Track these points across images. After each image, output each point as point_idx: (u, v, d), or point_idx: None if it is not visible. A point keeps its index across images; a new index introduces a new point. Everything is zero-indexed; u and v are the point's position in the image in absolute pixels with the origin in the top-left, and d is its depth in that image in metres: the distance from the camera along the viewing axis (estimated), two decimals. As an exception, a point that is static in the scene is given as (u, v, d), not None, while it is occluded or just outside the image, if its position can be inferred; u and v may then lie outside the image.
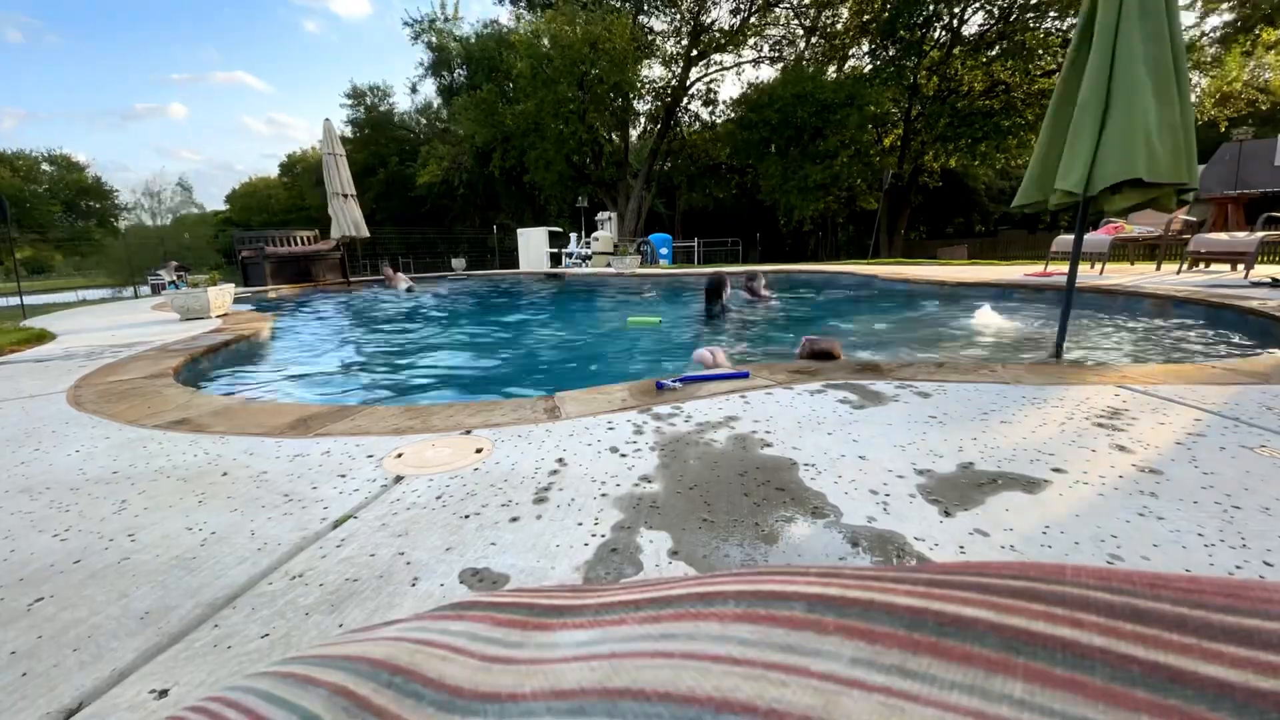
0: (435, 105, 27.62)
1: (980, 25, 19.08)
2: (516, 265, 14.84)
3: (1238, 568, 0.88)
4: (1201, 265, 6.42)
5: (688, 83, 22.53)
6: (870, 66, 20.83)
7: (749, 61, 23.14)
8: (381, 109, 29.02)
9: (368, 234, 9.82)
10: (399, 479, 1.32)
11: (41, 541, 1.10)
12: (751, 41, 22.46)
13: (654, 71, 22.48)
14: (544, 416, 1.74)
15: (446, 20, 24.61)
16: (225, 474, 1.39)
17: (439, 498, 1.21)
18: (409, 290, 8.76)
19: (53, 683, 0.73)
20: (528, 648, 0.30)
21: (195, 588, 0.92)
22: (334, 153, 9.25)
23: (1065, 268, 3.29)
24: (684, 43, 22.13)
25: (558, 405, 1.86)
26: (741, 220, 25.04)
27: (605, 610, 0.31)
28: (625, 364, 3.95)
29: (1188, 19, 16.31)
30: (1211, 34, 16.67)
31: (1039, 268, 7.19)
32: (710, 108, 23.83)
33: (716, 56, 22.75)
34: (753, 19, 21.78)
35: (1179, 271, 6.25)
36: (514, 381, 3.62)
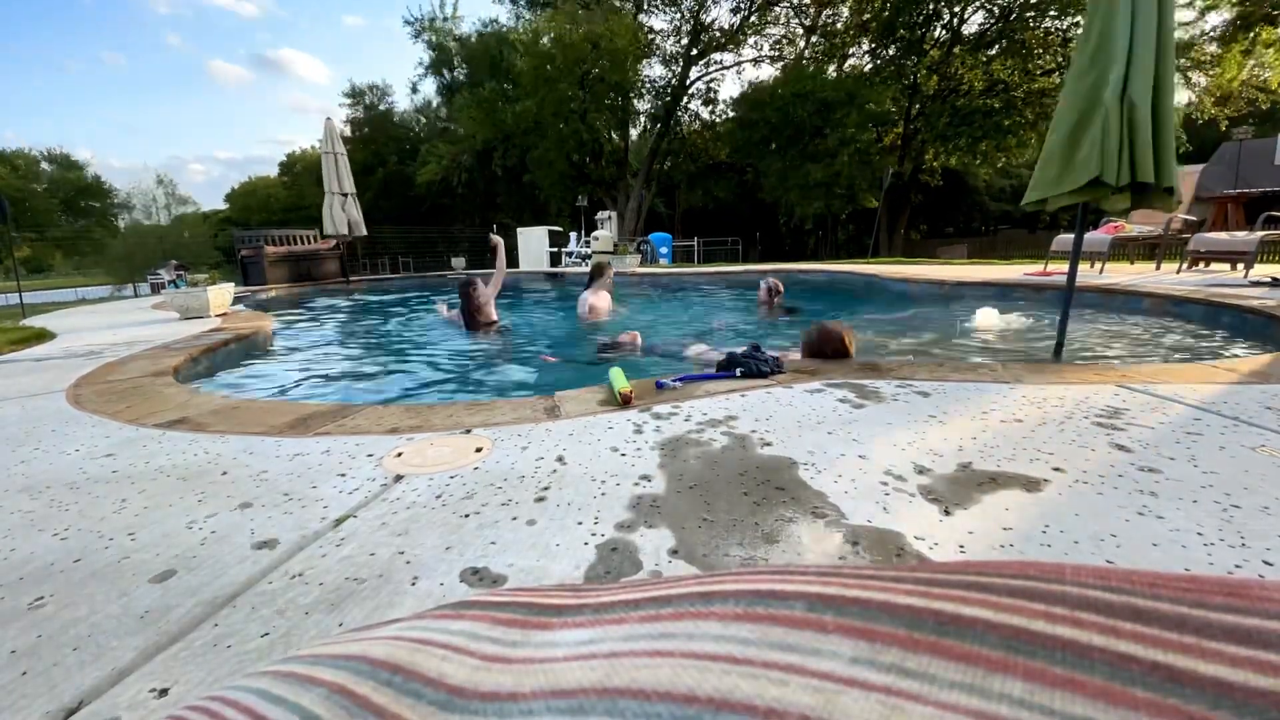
0: (435, 104, 27.62)
1: (980, 24, 19.08)
2: (516, 264, 14.85)
3: (1237, 566, 0.88)
4: (1201, 265, 6.42)
5: (688, 82, 22.53)
6: (870, 66, 20.82)
7: (749, 61, 23.16)
8: (381, 108, 29.01)
9: (364, 232, 9.79)
10: (399, 478, 1.32)
11: (42, 540, 1.10)
12: (751, 40, 22.48)
13: (654, 71, 22.51)
14: (544, 416, 1.74)
15: (446, 19, 24.60)
16: (225, 473, 1.39)
17: (439, 497, 1.21)
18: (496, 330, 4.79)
19: (53, 681, 0.73)
20: (527, 647, 0.30)
21: (195, 587, 0.92)
22: (333, 151, 9.24)
23: (1065, 267, 3.30)
24: (684, 42, 22.14)
25: (557, 404, 1.86)
26: (741, 220, 25.04)
27: (605, 609, 0.31)
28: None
29: (1187, 16, 16.30)
30: (1211, 33, 16.66)
31: (1039, 267, 7.19)
32: (710, 107, 23.85)
33: (716, 56, 22.77)
34: (753, 18, 21.77)
35: (1179, 271, 6.25)
36: (512, 377, 3.62)
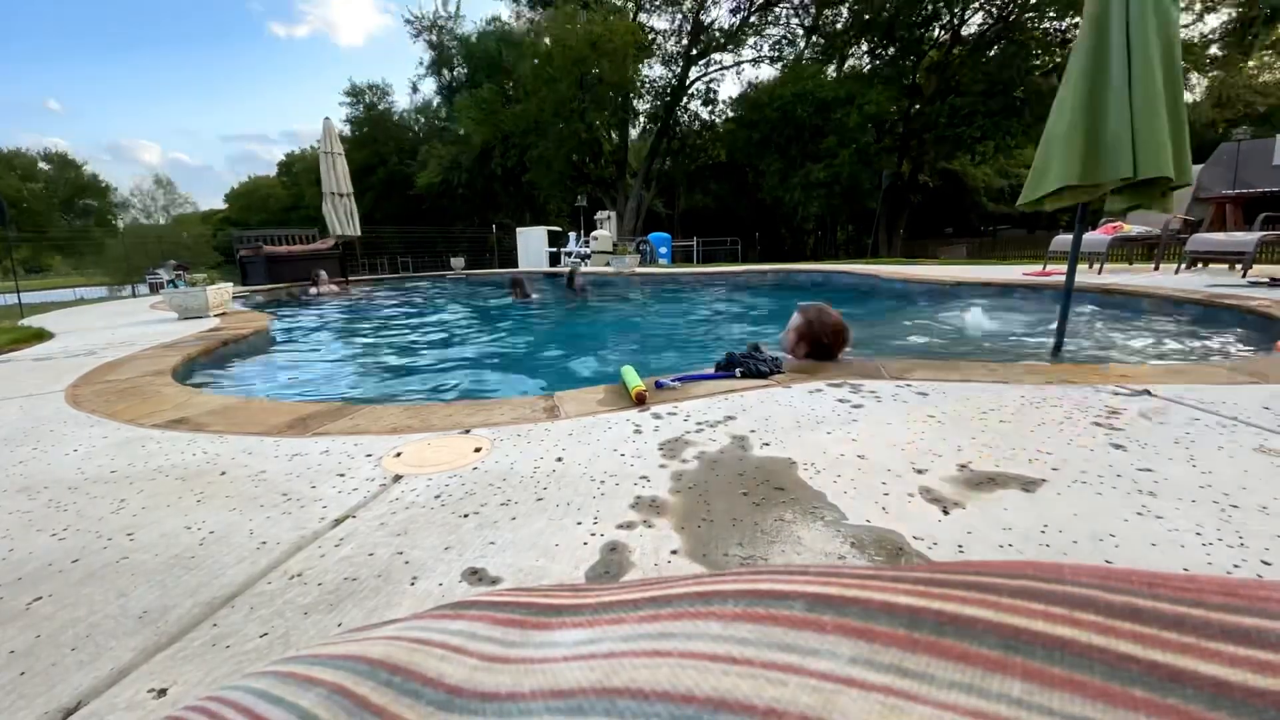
0: (435, 104, 27.61)
1: (979, 25, 19.10)
2: (516, 265, 14.84)
3: (1236, 567, 0.88)
4: (1200, 265, 6.43)
5: (687, 82, 22.55)
6: (869, 66, 20.85)
7: (749, 61, 23.20)
8: (381, 108, 28.98)
9: (358, 233, 9.77)
10: (398, 478, 1.32)
11: (40, 541, 1.09)
12: (751, 41, 22.50)
13: (654, 71, 22.53)
14: (543, 416, 1.73)
15: (448, 19, 24.62)
16: (224, 473, 1.39)
17: (438, 497, 1.21)
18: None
19: (51, 682, 0.73)
20: (526, 647, 0.30)
21: (194, 587, 0.92)
22: (331, 151, 9.24)
23: (1064, 267, 3.30)
24: (684, 42, 22.16)
25: (557, 404, 1.86)
26: (741, 220, 25.03)
27: (604, 609, 0.31)
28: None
29: (1185, 18, 16.32)
30: (1210, 34, 16.70)
31: (1038, 267, 7.20)
32: (710, 107, 23.87)
33: (716, 56, 22.80)
34: (752, 18, 21.79)
35: (1177, 271, 6.26)
36: (512, 377, 3.62)
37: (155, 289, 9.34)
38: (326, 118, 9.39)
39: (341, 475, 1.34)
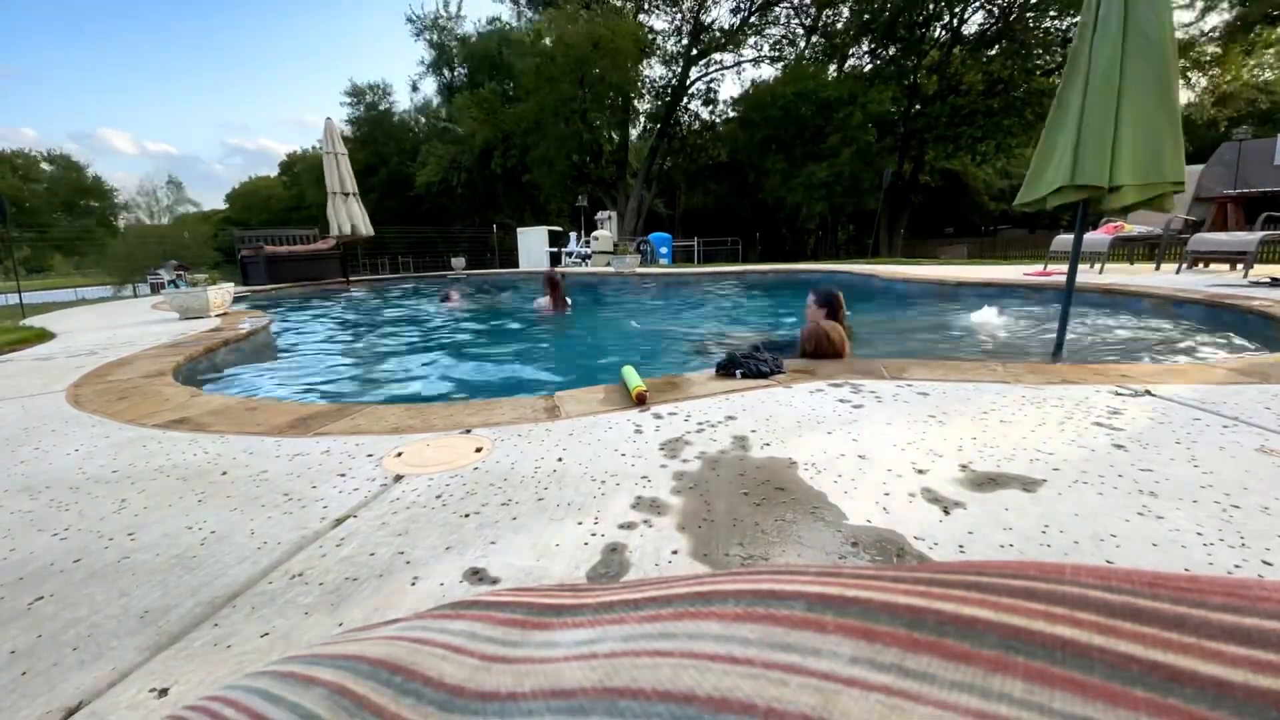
0: (436, 104, 27.63)
1: (980, 24, 19.10)
2: (516, 265, 14.85)
3: (1237, 567, 0.88)
4: (1201, 265, 6.42)
5: (688, 82, 22.56)
6: (870, 66, 20.84)
7: (749, 61, 23.21)
8: (381, 108, 28.97)
9: (371, 232, 9.74)
10: (399, 478, 1.32)
11: (41, 540, 1.10)
12: (751, 41, 22.52)
13: (654, 71, 22.56)
14: (543, 416, 1.74)
15: (449, 18, 24.64)
16: (225, 473, 1.39)
17: (439, 497, 1.21)
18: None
19: (53, 681, 0.73)
20: (527, 647, 0.30)
21: (195, 587, 0.92)
22: (334, 151, 9.24)
23: (1064, 267, 3.30)
24: (684, 42, 22.18)
25: (557, 404, 1.86)
26: (742, 220, 25.04)
27: (605, 609, 0.31)
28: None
29: (1186, 17, 16.31)
30: (1211, 33, 16.67)
31: (1038, 267, 7.19)
32: (710, 107, 23.89)
33: (716, 56, 22.82)
34: (753, 18, 21.80)
35: (1178, 271, 6.25)
36: (513, 376, 3.62)
37: (156, 289, 9.35)
38: (328, 118, 9.39)
39: (342, 475, 1.35)
